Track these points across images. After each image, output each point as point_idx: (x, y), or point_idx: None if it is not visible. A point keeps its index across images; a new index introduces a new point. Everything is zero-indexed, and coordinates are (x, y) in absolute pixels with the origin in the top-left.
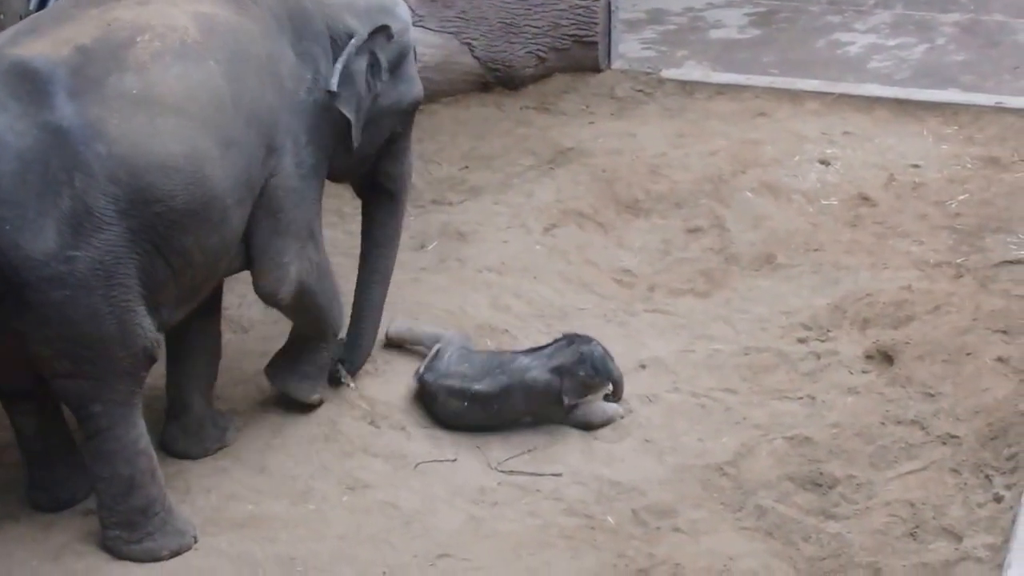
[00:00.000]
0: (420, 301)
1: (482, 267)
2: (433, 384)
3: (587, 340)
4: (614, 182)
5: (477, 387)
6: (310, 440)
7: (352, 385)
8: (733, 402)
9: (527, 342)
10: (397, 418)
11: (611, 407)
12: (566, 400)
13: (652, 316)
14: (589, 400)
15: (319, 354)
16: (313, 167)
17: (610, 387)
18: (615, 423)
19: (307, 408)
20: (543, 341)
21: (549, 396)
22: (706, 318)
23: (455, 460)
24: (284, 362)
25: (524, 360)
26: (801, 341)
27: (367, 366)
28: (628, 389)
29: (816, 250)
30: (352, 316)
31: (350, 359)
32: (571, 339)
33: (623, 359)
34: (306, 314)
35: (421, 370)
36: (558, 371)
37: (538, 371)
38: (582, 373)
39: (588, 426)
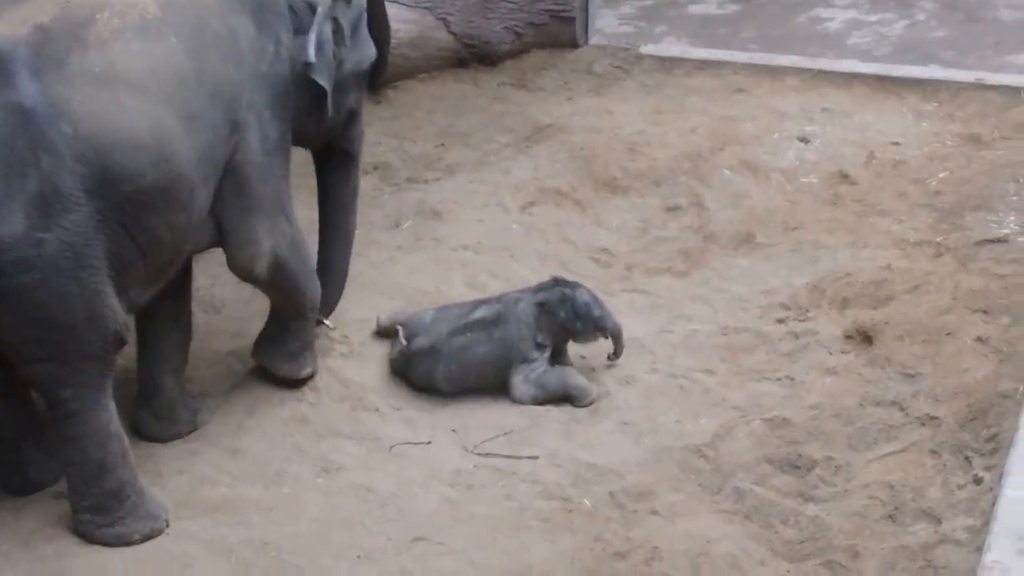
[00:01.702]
0: (395, 281)
1: (458, 246)
2: (426, 344)
3: (575, 285)
4: (592, 160)
5: (477, 315)
6: (283, 422)
7: (332, 326)
8: (711, 383)
9: None
10: (371, 400)
11: (571, 377)
12: (538, 338)
13: (630, 296)
14: (566, 370)
15: (303, 329)
16: (278, 141)
17: (599, 338)
18: (592, 405)
19: (299, 383)
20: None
21: (530, 331)
22: (684, 298)
23: (430, 443)
24: (269, 342)
25: (514, 294)
26: (780, 321)
27: (341, 347)
28: (604, 372)
29: (795, 229)
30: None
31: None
32: (558, 280)
33: (599, 342)
34: (282, 290)
35: (403, 340)
36: (541, 307)
37: (525, 303)
38: (561, 314)
39: (541, 391)
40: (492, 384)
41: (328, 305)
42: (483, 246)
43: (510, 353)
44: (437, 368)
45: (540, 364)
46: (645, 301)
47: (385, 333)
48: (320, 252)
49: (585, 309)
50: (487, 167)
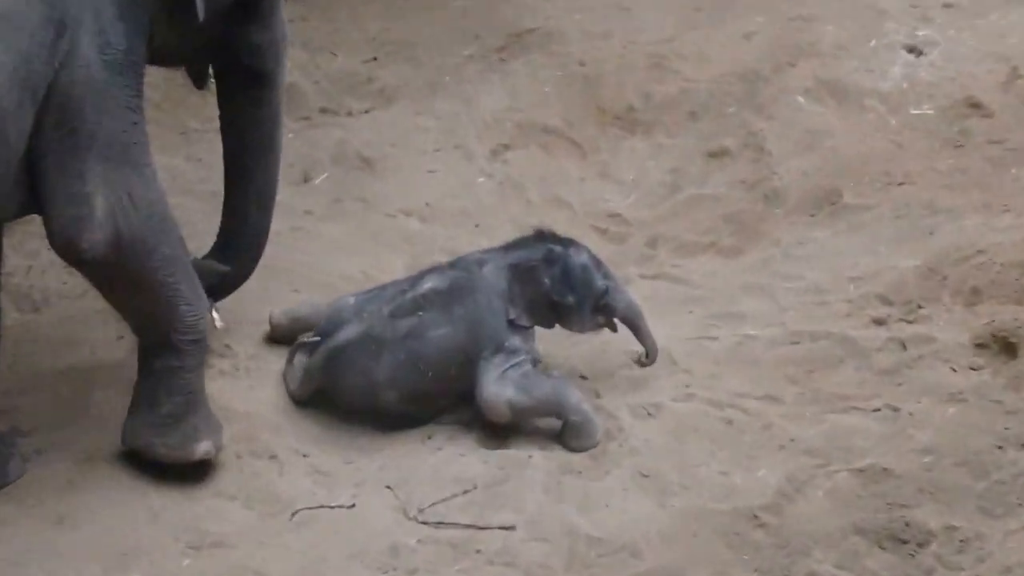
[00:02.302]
0: (303, 263)
1: (398, 210)
2: (357, 334)
3: (568, 241)
4: (597, 82)
5: (427, 285)
6: (134, 476)
7: (220, 322)
8: (774, 415)
9: None
10: (266, 440)
11: (569, 392)
12: (510, 314)
13: (653, 285)
14: (556, 377)
15: (180, 373)
16: (126, 53)
17: (600, 327)
18: (597, 447)
19: (193, 469)
20: None
21: (503, 304)
22: (734, 288)
23: (353, 506)
24: (135, 404)
25: (476, 254)
26: (878, 323)
27: (223, 362)
28: (616, 397)
29: (901, 184)
30: (223, 255)
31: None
32: (543, 234)
33: (608, 350)
34: (128, 286)
35: (312, 339)
36: (516, 270)
37: (493, 266)
38: (546, 281)
39: (523, 397)
40: (456, 388)
41: (232, 284)
42: (435, 211)
43: (477, 336)
44: (377, 366)
45: (521, 356)
46: (676, 293)
47: (282, 337)
48: (225, 214)
49: (582, 275)
50: (441, 93)
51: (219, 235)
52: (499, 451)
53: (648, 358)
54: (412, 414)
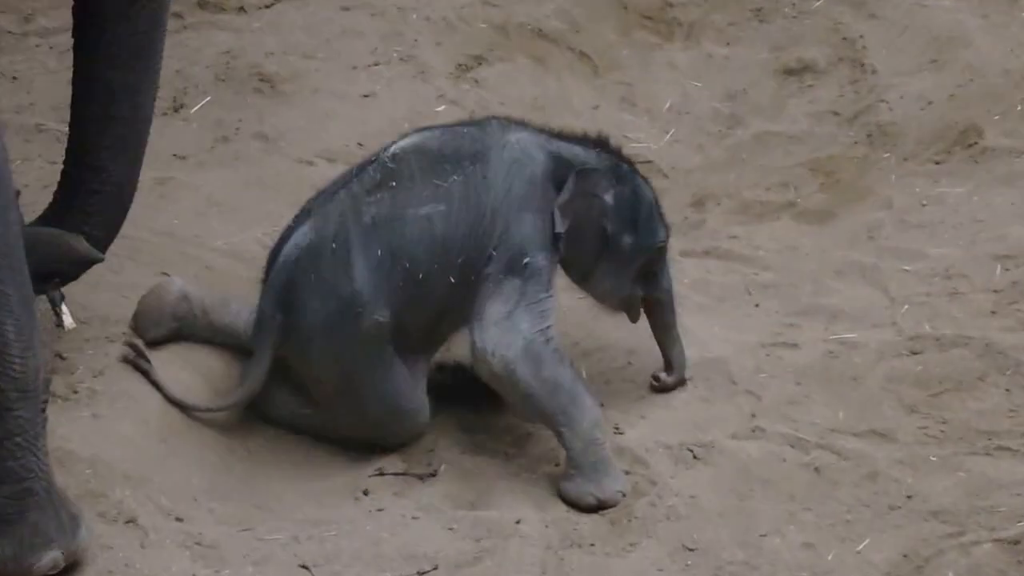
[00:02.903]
0: (172, 231)
1: (313, 154)
2: (324, 233)
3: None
4: None
5: (401, 144)
6: None
7: (69, 320)
8: (884, 460)
9: None
10: (120, 497)
11: (588, 401)
12: (556, 220)
13: (701, 265)
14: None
15: (16, 446)
16: None
17: (630, 307)
18: (620, 503)
19: None
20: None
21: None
22: (823, 270)
23: None
24: None
25: (502, 122)
26: None
27: (55, 383)
28: (647, 432)
29: None
30: (68, 219)
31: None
32: (606, 142)
33: (635, 363)
34: None
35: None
36: (561, 165)
37: (529, 143)
38: (608, 199)
39: (530, 366)
40: (450, 312)
41: (83, 259)
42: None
43: (484, 229)
44: (349, 276)
45: (545, 294)
46: (734, 277)
47: (161, 333)
48: (72, 158)
49: (649, 215)
50: None
51: (61, 189)
52: (473, 512)
53: (671, 376)
54: (418, 351)
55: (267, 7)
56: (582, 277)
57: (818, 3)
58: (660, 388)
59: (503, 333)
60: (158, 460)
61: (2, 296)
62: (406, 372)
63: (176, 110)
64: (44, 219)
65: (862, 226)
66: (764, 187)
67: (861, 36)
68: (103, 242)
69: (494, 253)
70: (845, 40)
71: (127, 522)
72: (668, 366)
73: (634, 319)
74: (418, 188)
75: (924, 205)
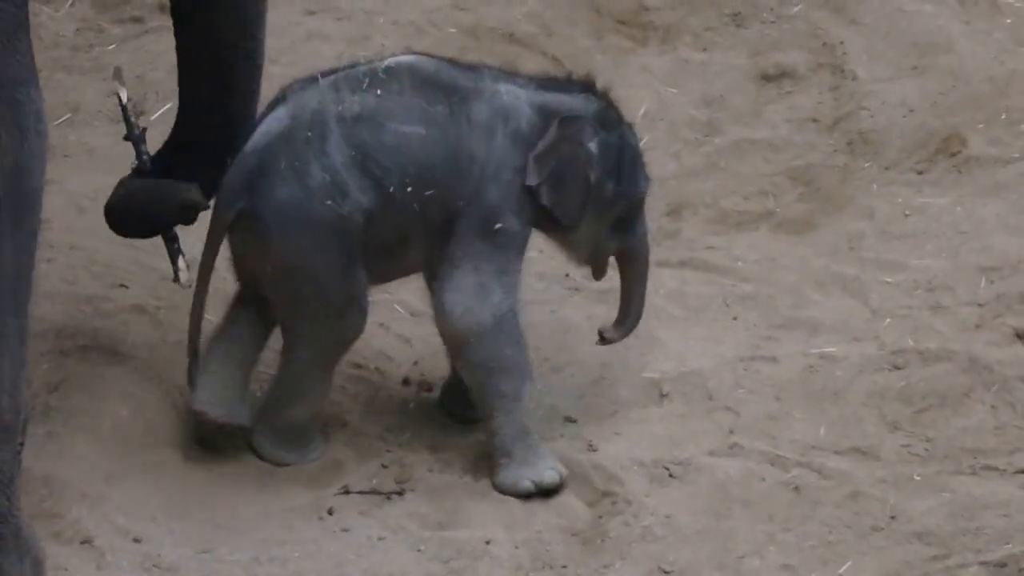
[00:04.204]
0: (134, 244)
1: None
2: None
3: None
4: None
5: (394, 60)
6: None
7: (186, 280)
8: (866, 479)
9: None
10: (76, 517)
11: (522, 390)
12: (530, 174)
13: (677, 275)
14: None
15: None
16: None
17: (599, 263)
18: (599, 527)
19: None
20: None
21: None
22: (803, 282)
23: None
24: None
25: (487, 70)
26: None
27: None
28: (620, 448)
29: None
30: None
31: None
32: (592, 85)
33: (607, 379)
34: None
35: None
36: (546, 114)
37: (514, 91)
38: (592, 148)
39: (500, 336)
40: (411, 246)
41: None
42: None
43: (462, 170)
44: (323, 159)
45: (517, 264)
46: (711, 288)
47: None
48: (186, 91)
49: (633, 162)
50: None
51: (173, 135)
52: (441, 533)
53: (619, 332)
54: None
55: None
56: (564, 231)
57: (797, 8)
58: (604, 341)
59: (474, 299)
60: (115, 478)
61: (4, 327)
62: (362, 277)
63: (136, 116)
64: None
65: (843, 236)
66: (742, 196)
67: (842, 42)
68: (210, 190)
69: (464, 206)
70: (825, 45)
71: (83, 543)
72: (621, 320)
73: (599, 275)
74: (404, 103)
75: (907, 215)
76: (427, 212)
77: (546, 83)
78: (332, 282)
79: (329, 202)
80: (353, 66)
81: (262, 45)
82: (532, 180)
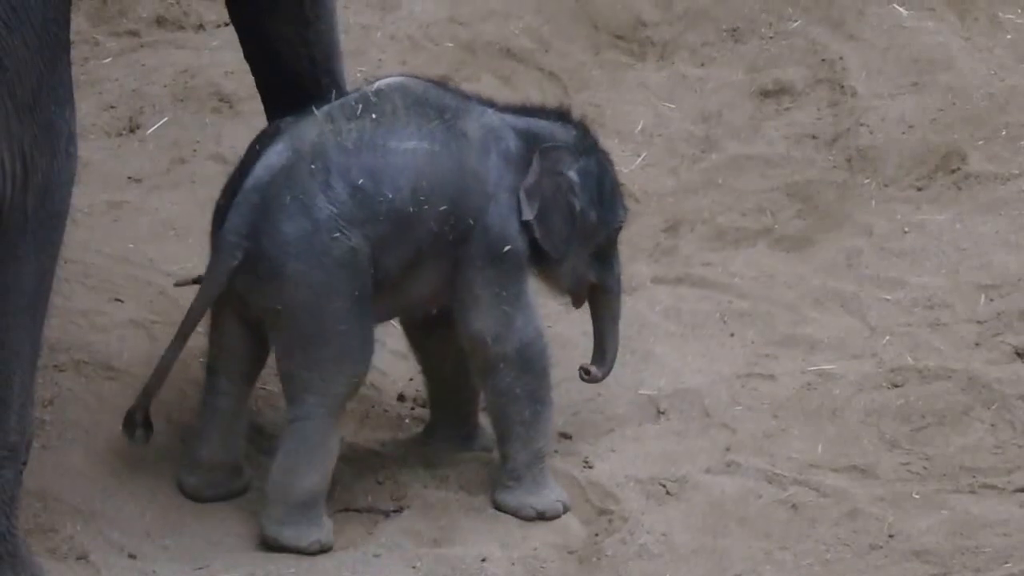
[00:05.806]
0: (123, 257)
1: None
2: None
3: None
4: None
5: (385, 82)
6: None
7: None
8: (864, 497)
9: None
10: (71, 532)
11: (547, 421)
12: (524, 208)
13: (674, 292)
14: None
15: None
16: None
17: (579, 295)
18: (592, 546)
19: None
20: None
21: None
22: (801, 299)
23: None
24: None
25: (470, 102)
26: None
27: None
28: (616, 466)
29: None
30: None
31: None
32: (566, 114)
33: (603, 396)
34: None
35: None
36: (530, 142)
37: (493, 122)
38: (573, 176)
39: (520, 362)
40: (426, 268)
41: None
42: None
43: (465, 191)
44: (328, 191)
45: (528, 285)
46: (708, 305)
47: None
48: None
49: (612, 190)
50: None
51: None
52: (436, 550)
53: (602, 369)
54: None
55: (226, 25)
56: (551, 263)
57: (796, 23)
58: (590, 380)
59: (502, 327)
60: (110, 493)
61: (20, 348)
62: (370, 314)
63: (132, 131)
64: None
65: (841, 253)
66: (740, 212)
67: (840, 57)
68: None
69: (473, 225)
70: (824, 61)
71: (78, 559)
72: (600, 358)
73: (579, 304)
74: (401, 123)
75: (905, 232)
76: (441, 230)
77: (520, 110)
78: (343, 318)
79: (337, 235)
80: (342, 95)
81: None
82: (527, 215)
